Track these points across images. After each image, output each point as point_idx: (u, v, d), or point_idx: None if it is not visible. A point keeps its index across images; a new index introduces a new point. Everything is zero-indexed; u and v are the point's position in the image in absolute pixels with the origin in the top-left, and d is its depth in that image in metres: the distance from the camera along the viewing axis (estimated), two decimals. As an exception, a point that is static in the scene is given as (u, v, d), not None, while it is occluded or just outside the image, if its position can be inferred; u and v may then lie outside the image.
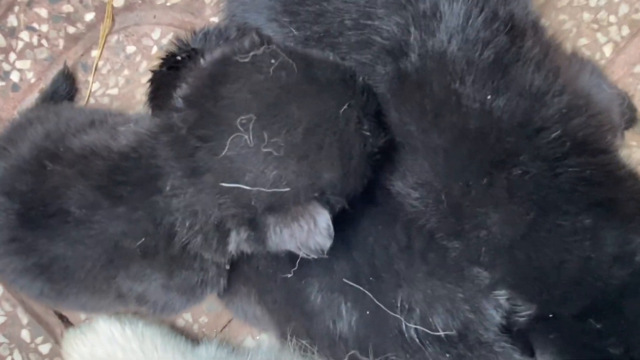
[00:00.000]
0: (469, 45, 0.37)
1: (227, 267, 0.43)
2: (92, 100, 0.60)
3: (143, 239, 0.38)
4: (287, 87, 0.35)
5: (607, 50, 0.55)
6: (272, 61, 0.36)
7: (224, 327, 0.56)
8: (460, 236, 0.39)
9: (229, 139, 0.34)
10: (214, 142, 0.35)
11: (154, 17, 0.61)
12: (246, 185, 0.34)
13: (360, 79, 0.39)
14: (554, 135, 0.35)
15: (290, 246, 0.37)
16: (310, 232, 0.36)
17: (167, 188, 0.37)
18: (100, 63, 0.61)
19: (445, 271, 0.40)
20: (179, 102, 0.38)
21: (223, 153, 0.34)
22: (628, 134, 0.53)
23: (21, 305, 0.57)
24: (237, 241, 0.38)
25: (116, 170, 0.39)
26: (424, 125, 0.38)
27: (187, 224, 0.37)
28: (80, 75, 0.62)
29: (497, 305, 0.39)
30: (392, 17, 0.40)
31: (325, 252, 0.37)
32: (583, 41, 0.55)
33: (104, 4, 0.62)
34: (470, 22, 0.37)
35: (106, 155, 0.40)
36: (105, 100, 0.60)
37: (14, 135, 0.47)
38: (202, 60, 0.39)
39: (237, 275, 0.44)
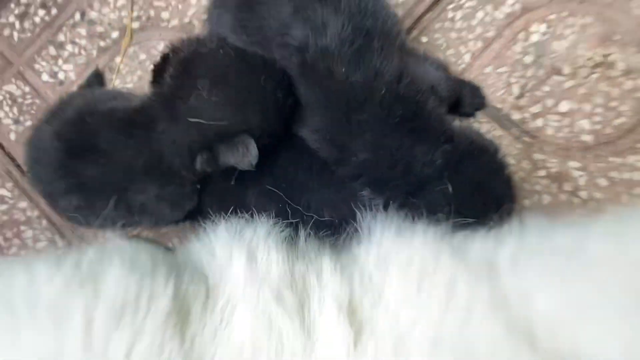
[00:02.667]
0: (340, 43, 0.62)
1: (198, 186, 0.68)
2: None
3: (144, 161, 0.63)
4: (229, 67, 0.60)
5: (467, 58, 0.79)
6: (221, 51, 0.61)
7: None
8: (341, 162, 0.63)
9: (194, 95, 0.59)
10: (185, 98, 0.60)
11: (160, 34, 0.87)
12: (204, 120, 0.59)
13: (278, 65, 0.64)
14: (382, 92, 0.59)
15: (232, 163, 0.61)
16: (244, 153, 0.61)
17: (160, 128, 0.62)
18: (122, 66, 0.87)
19: (332, 183, 0.64)
20: (167, 78, 0.63)
21: (189, 103, 0.59)
22: (481, 113, 0.77)
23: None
24: (201, 162, 0.62)
25: (130, 119, 0.64)
26: (315, 92, 0.63)
27: (170, 150, 0.62)
28: (107, 75, 0.88)
29: (362, 201, 0.63)
30: (300, 28, 0.65)
31: (254, 167, 0.61)
32: (450, 52, 0.80)
33: (125, 26, 0.88)
34: (342, 30, 0.62)
35: (124, 110, 0.65)
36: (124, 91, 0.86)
37: (63, 105, 0.72)
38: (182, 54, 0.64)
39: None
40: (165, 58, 0.72)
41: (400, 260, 0.42)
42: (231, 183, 0.63)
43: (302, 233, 0.59)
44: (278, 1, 0.65)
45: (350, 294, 0.43)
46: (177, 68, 0.62)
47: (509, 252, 0.44)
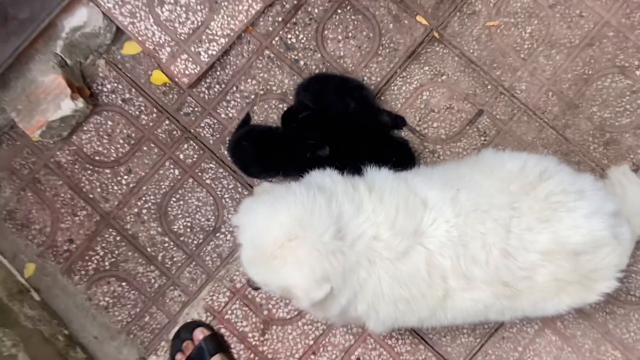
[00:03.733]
0: (357, 112, 1.85)
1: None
2: (254, 122, 2.05)
3: (289, 155, 1.85)
4: (321, 121, 1.82)
5: (399, 105, 2.02)
6: (316, 116, 1.83)
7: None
8: (356, 153, 1.87)
9: (310, 133, 1.82)
10: (307, 133, 1.80)
11: (274, 96, 2.05)
12: (314, 141, 1.81)
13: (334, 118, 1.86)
14: (372, 128, 1.82)
15: (321, 154, 1.84)
16: (324, 151, 1.83)
17: (295, 143, 1.83)
18: (257, 111, 2.05)
19: (354, 159, 1.87)
20: (294, 125, 1.84)
21: (309, 135, 1.81)
22: (404, 128, 2.00)
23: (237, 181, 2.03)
24: (309, 154, 1.84)
25: (284, 139, 1.84)
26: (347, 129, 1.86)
27: (298, 151, 1.84)
28: (252, 114, 2.06)
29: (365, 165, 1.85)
30: (340, 105, 1.87)
31: (327, 155, 1.83)
32: (393, 104, 2.01)
33: (256, 93, 2.06)
34: (356, 107, 1.85)
35: (280, 135, 1.85)
36: (260, 122, 2.05)
37: (248, 132, 1.91)
38: (301, 115, 1.85)
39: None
40: (287, 112, 1.94)
41: (381, 178, 1.63)
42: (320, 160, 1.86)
43: (345, 173, 1.78)
44: (332, 95, 1.87)
45: (364, 185, 1.63)
46: (301, 122, 1.84)
47: (412, 176, 1.67)
